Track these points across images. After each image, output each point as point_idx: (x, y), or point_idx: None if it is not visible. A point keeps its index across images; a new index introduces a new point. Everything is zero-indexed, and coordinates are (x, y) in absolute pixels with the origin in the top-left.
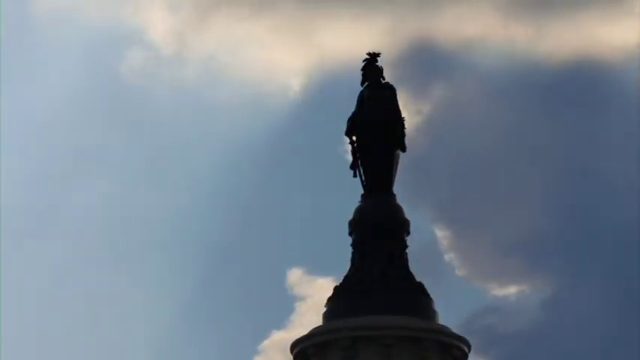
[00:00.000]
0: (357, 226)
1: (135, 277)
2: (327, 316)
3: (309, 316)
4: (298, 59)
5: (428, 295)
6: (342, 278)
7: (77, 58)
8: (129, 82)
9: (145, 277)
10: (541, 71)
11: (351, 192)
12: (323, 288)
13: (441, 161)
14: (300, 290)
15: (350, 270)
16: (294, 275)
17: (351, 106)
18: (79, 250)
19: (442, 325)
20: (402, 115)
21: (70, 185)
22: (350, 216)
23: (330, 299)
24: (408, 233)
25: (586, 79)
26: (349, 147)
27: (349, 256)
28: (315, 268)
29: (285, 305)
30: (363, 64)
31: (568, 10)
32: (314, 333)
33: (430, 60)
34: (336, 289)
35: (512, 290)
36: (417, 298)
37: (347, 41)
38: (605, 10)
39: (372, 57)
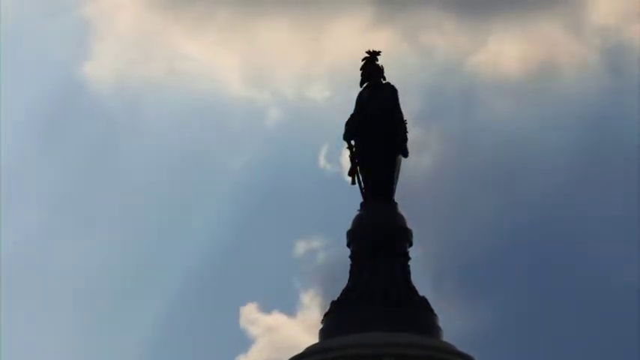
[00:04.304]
0: (356, 236)
1: (91, 314)
2: (323, 333)
3: (263, 352)
4: (239, 61)
5: (431, 310)
6: (340, 292)
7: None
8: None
9: (102, 315)
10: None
11: (304, 222)
12: (277, 323)
13: None
14: (254, 325)
15: (348, 283)
16: (248, 310)
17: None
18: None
19: (446, 343)
20: (405, 118)
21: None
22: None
23: (326, 315)
24: (411, 244)
25: (537, 92)
26: (347, 151)
27: (303, 291)
28: (270, 303)
29: (239, 340)
30: (362, 63)
31: (515, 12)
32: (310, 352)
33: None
34: (333, 304)
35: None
36: (420, 314)
37: (285, 43)
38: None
39: (372, 55)
